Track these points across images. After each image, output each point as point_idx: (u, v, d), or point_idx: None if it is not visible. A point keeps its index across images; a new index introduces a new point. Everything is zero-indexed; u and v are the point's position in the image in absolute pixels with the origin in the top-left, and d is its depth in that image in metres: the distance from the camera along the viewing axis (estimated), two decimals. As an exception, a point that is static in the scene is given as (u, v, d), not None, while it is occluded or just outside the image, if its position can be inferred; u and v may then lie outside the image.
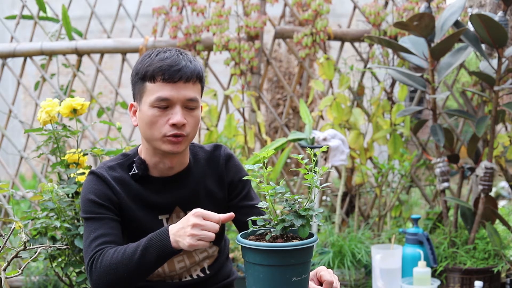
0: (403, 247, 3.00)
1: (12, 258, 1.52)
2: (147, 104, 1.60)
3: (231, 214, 1.50)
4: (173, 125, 1.59)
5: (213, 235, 1.44)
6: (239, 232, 1.49)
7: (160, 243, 1.50)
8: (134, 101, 1.67)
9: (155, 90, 1.58)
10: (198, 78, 1.63)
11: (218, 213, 1.48)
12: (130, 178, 1.68)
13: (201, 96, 1.68)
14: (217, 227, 1.45)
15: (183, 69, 1.58)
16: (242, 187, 1.78)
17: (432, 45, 2.96)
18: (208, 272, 1.77)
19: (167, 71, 1.57)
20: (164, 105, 1.59)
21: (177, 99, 1.59)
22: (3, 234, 1.62)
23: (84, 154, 2.22)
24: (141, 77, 1.61)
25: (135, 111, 1.68)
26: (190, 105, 1.62)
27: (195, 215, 1.46)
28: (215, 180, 1.76)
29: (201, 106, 1.68)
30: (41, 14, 3.96)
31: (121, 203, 1.65)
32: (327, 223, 3.43)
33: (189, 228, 1.45)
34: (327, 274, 1.50)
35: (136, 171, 1.68)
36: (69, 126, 2.24)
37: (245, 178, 1.48)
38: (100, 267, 1.54)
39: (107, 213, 1.63)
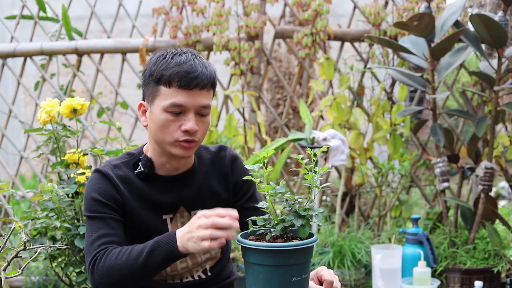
0: (403, 247, 3.00)
1: (12, 258, 1.52)
2: (159, 108, 1.59)
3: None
4: (186, 131, 1.59)
5: (221, 233, 1.42)
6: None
7: (166, 246, 1.49)
8: (144, 100, 1.66)
9: (170, 96, 1.57)
10: (212, 85, 1.63)
11: None
12: (135, 177, 1.68)
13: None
14: (224, 221, 1.42)
15: (199, 76, 1.57)
16: (247, 188, 1.78)
17: (432, 45, 2.96)
18: (209, 273, 1.77)
19: (184, 77, 1.56)
20: (178, 111, 1.59)
21: (191, 106, 1.59)
22: (3, 234, 1.62)
23: (84, 154, 2.23)
24: (156, 80, 1.59)
25: (145, 111, 1.67)
26: (203, 112, 1.62)
27: (198, 216, 1.45)
28: (219, 180, 1.76)
29: None
30: (41, 14, 3.95)
31: (125, 202, 1.65)
32: (327, 223, 3.43)
33: (195, 230, 1.43)
34: (328, 274, 1.50)
35: (142, 169, 1.68)
36: (69, 126, 2.24)
37: (245, 178, 1.48)
38: (103, 267, 1.53)
39: (111, 212, 1.63)
